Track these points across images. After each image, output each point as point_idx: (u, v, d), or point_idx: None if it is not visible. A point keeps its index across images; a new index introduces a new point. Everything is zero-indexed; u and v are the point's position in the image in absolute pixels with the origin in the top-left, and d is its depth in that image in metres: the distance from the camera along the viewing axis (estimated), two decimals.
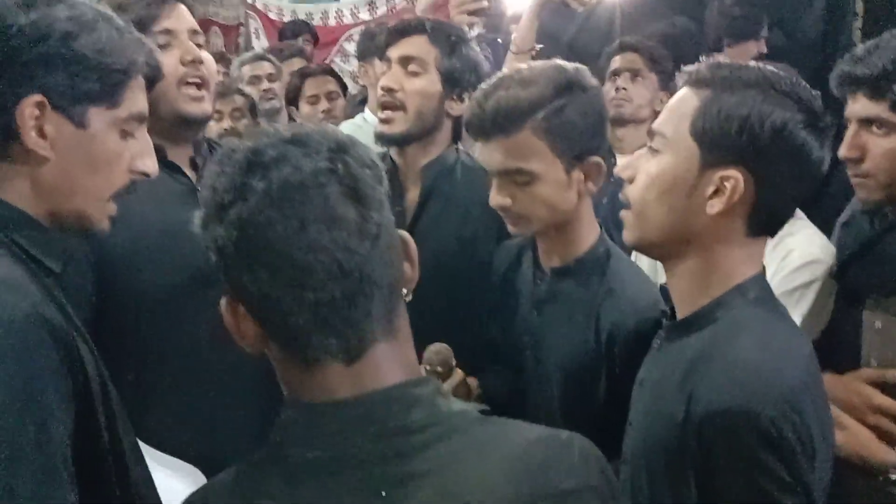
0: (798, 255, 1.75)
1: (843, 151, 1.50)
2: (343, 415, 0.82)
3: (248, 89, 3.34)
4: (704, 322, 1.15)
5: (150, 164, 1.17)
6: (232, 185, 0.81)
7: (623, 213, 1.23)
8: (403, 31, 1.87)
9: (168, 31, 1.57)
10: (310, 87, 3.22)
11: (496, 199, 1.48)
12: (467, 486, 0.80)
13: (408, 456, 0.81)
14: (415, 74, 1.83)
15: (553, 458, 0.84)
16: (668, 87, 2.66)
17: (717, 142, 1.11)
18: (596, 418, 1.42)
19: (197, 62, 1.58)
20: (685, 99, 1.16)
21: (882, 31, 1.54)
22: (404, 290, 0.89)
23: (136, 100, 1.13)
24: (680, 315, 1.20)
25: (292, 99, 3.30)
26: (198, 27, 1.63)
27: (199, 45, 1.61)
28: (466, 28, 2.28)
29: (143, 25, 1.51)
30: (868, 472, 1.42)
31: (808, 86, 1.14)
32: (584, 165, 1.45)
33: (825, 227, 1.80)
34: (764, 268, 1.19)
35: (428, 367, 1.54)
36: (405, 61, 1.84)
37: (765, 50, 3.56)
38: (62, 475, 0.94)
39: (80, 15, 1.07)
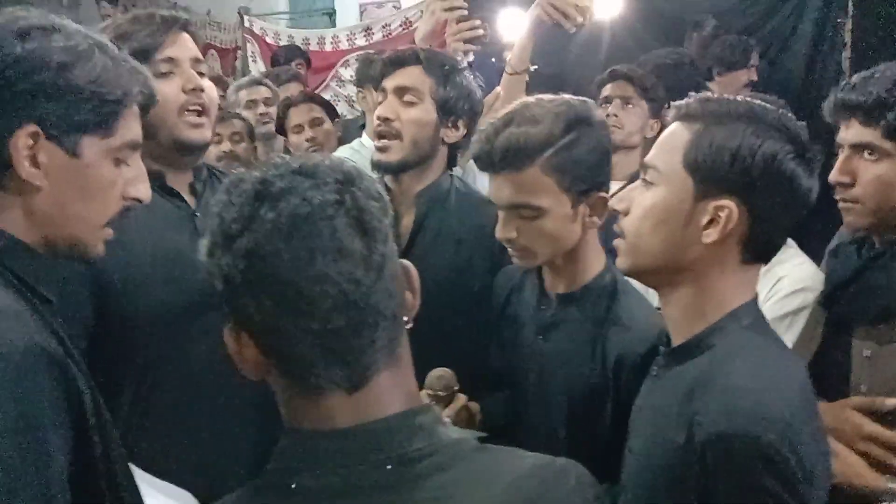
0: (788, 282, 1.77)
1: (833, 176, 1.53)
2: (345, 443, 0.83)
3: (244, 114, 3.36)
4: (701, 348, 1.17)
5: (144, 191, 1.18)
6: (240, 215, 0.82)
7: (617, 242, 1.25)
8: (398, 61, 1.90)
9: (171, 60, 1.58)
10: (293, 117, 3.20)
11: (502, 232, 1.50)
12: None
13: (409, 485, 0.82)
14: (410, 104, 1.86)
15: (549, 487, 0.85)
16: (659, 116, 2.70)
17: (710, 173, 1.14)
18: (601, 444, 1.43)
19: (198, 90, 1.59)
20: (676, 133, 1.19)
21: (871, 60, 1.58)
22: (405, 318, 0.90)
23: (131, 128, 1.14)
24: (675, 342, 1.22)
25: (280, 129, 3.30)
26: (200, 55, 1.65)
27: (200, 74, 1.63)
28: (461, 55, 2.31)
29: (146, 53, 1.53)
30: (859, 500, 1.42)
31: (794, 117, 1.17)
32: (589, 200, 1.48)
33: (814, 256, 1.82)
34: (756, 294, 1.21)
35: (430, 392, 1.54)
36: (400, 91, 1.87)
37: (755, 78, 3.61)
38: (60, 502, 0.94)
39: (75, 45, 1.08)
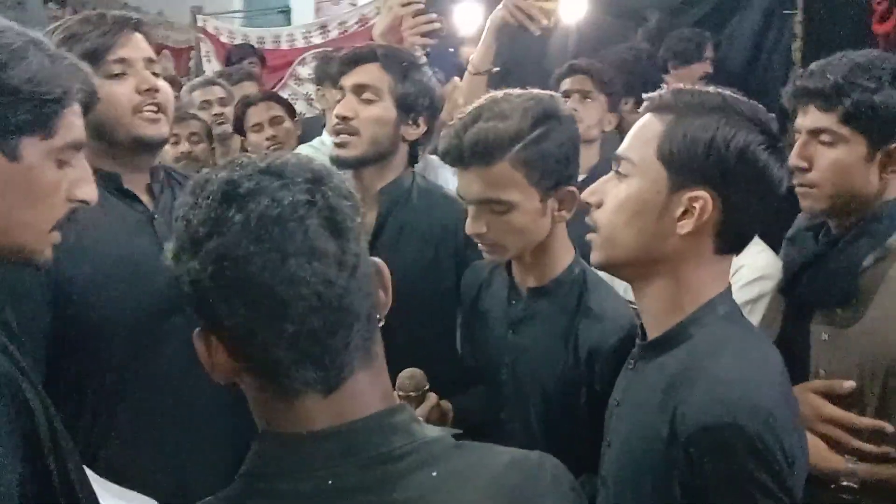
0: (747, 270, 1.80)
1: (791, 161, 1.55)
2: (324, 445, 0.82)
3: (199, 115, 3.32)
4: (678, 340, 1.18)
5: (90, 192, 1.13)
6: (207, 218, 0.79)
7: (591, 236, 1.25)
8: (356, 59, 1.89)
9: (123, 60, 1.56)
10: (252, 116, 3.16)
11: (472, 227, 1.50)
12: None
13: (390, 485, 0.81)
14: (369, 102, 1.85)
15: (528, 481, 0.85)
16: (617, 109, 2.72)
17: (685, 164, 1.14)
18: (576, 436, 1.44)
19: (153, 91, 1.57)
20: (649, 125, 1.19)
21: (822, 51, 1.61)
22: (378, 317, 0.89)
23: (72, 128, 1.09)
24: (651, 334, 1.23)
25: (238, 128, 3.26)
26: (153, 55, 1.62)
27: (155, 74, 1.61)
28: (419, 49, 2.31)
29: (98, 54, 1.51)
30: (820, 481, 1.45)
31: (765, 109, 1.18)
32: (558, 194, 1.48)
33: (773, 244, 1.85)
34: (730, 284, 1.23)
35: (401, 393, 1.54)
36: (359, 89, 1.86)
37: (710, 70, 3.65)
38: None
39: (9, 43, 1.03)
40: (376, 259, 0.89)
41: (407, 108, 1.87)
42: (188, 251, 0.80)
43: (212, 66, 5.99)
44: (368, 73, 1.86)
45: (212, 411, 1.54)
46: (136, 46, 1.59)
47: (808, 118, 1.53)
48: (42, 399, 1.04)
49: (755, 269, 1.80)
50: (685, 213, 1.15)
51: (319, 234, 0.79)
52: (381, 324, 0.89)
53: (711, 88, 1.20)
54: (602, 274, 1.49)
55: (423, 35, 2.32)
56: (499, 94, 1.52)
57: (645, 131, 1.19)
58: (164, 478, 1.46)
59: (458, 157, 1.47)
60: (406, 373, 1.56)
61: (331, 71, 2.57)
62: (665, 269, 1.19)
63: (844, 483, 1.46)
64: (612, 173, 1.24)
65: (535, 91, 1.52)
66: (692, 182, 1.14)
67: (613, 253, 1.22)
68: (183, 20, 6.63)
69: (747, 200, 1.15)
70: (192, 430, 1.55)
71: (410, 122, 1.88)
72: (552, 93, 1.55)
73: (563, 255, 1.55)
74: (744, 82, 3.89)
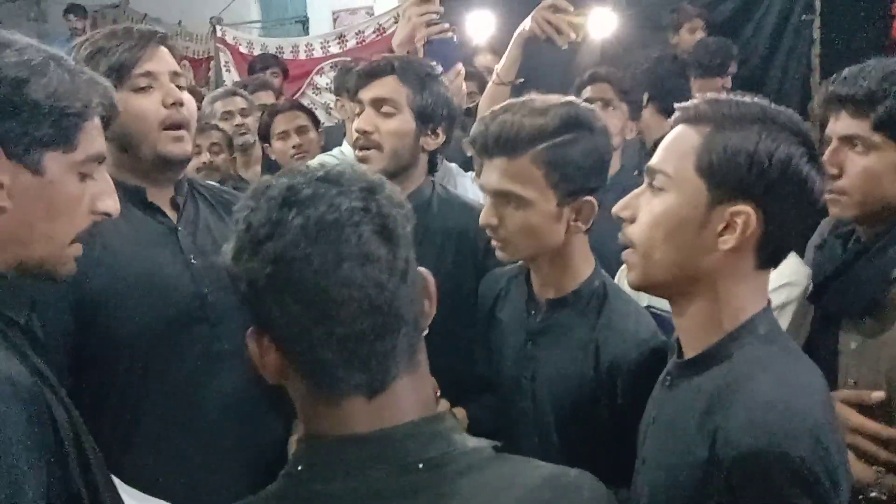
0: (774, 276, 1.78)
1: None
2: (364, 449, 0.84)
3: (221, 125, 3.34)
4: (717, 359, 1.14)
5: (112, 204, 1.14)
6: (268, 220, 0.83)
7: (626, 254, 1.22)
8: (373, 73, 1.88)
9: (149, 74, 1.56)
10: (279, 124, 3.21)
11: (485, 217, 1.50)
12: None
13: (426, 492, 0.83)
14: (388, 115, 1.85)
15: (562, 499, 0.86)
16: (638, 118, 2.71)
17: (726, 178, 1.11)
18: (594, 449, 1.42)
19: (178, 104, 1.58)
20: (684, 136, 1.15)
21: (841, 57, 1.60)
22: (423, 325, 0.91)
23: (94, 141, 1.10)
24: (688, 353, 1.19)
25: (263, 136, 3.30)
26: (178, 69, 1.63)
27: (179, 87, 1.61)
28: (434, 64, 2.31)
29: (124, 68, 1.52)
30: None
31: (802, 119, 1.15)
32: (576, 203, 1.47)
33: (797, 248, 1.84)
34: (769, 301, 1.20)
35: None
36: (377, 103, 1.86)
37: (729, 85, 3.62)
38: None
39: (29, 59, 1.04)
40: (423, 269, 0.91)
41: (426, 119, 1.87)
42: (248, 251, 0.84)
43: (231, 76, 6.04)
44: (386, 87, 1.86)
45: (230, 421, 1.55)
46: (162, 60, 1.59)
47: (840, 124, 1.51)
48: (68, 410, 1.05)
49: (782, 275, 1.77)
50: (726, 227, 1.12)
51: (372, 239, 0.83)
52: (425, 333, 0.91)
53: (748, 98, 1.17)
54: (624, 285, 1.48)
55: (428, 25, 2.32)
56: (537, 96, 1.51)
57: (681, 143, 1.15)
58: (178, 486, 1.46)
59: (483, 146, 1.47)
60: None
61: (349, 83, 2.58)
62: (705, 286, 1.15)
63: (873, 494, 1.44)
64: (644, 186, 1.20)
65: (574, 98, 1.52)
66: (733, 196, 1.11)
67: (652, 271, 1.18)
68: (202, 31, 6.69)
69: (789, 214, 1.12)
70: (209, 439, 1.55)
71: (429, 133, 1.88)
72: (592, 106, 1.54)
73: (583, 267, 1.53)
74: (760, 88, 3.89)
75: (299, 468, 0.86)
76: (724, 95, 1.19)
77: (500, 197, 1.47)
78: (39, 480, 0.94)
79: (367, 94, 1.88)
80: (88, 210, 1.11)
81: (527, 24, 2.28)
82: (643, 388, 1.31)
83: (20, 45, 1.05)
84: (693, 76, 3.58)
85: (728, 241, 1.12)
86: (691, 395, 1.15)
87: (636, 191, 1.22)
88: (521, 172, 1.44)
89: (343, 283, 0.81)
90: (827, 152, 1.52)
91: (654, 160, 1.19)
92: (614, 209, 1.24)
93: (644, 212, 1.18)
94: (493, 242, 1.54)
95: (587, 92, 2.67)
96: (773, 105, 1.16)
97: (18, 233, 1.04)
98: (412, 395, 0.87)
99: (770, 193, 1.10)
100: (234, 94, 3.66)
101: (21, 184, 1.03)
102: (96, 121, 1.11)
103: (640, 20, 4.22)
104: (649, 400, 1.28)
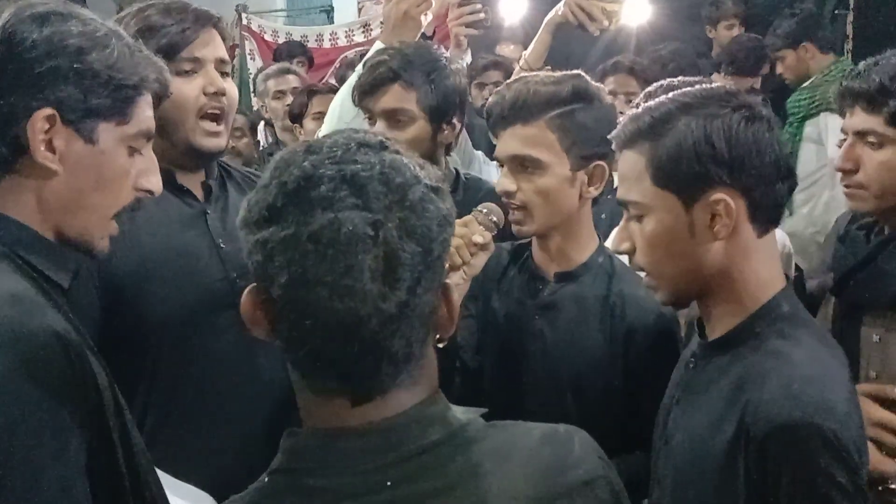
0: None
1: (837, 163, 1.55)
2: (362, 440, 0.83)
3: (272, 104, 3.31)
4: (744, 338, 1.17)
5: (155, 182, 1.17)
6: (273, 206, 0.80)
7: (645, 280, 1.27)
8: (376, 84, 1.85)
9: (196, 59, 1.52)
10: (316, 105, 3.19)
11: (503, 184, 1.55)
12: (492, 494, 0.83)
13: (432, 473, 0.83)
14: (401, 124, 1.84)
15: (560, 453, 0.88)
16: None
17: (685, 178, 1.15)
18: (612, 416, 1.48)
19: (219, 94, 1.54)
20: (630, 161, 1.20)
21: (874, 50, 1.59)
22: (437, 336, 0.89)
23: (145, 116, 1.13)
24: (712, 334, 1.23)
25: (297, 115, 3.28)
26: (226, 56, 1.59)
27: (224, 74, 1.58)
28: (462, 41, 2.30)
29: (174, 49, 1.48)
30: (868, 483, 1.43)
31: (709, 80, 1.18)
32: (589, 168, 1.53)
33: None
34: (790, 281, 1.23)
35: (487, 214, 1.50)
36: (389, 115, 1.85)
37: (758, 86, 3.59)
38: (80, 488, 0.95)
39: (92, 31, 1.07)
40: (447, 281, 0.88)
41: (439, 116, 1.86)
42: (245, 230, 0.83)
43: (255, 64, 6.06)
44: (393, 97, 1.84)
45: (261, 407, 1.54)
46: (212, 45, 1.55)
47: (854, 119, 1.51)
48: (107, 372, 1.07)
49: None
50: (713, 218, 1.15)
51: (366, 275, 0.77)
52: (441, 346, 0.90)
53: (659, 99, 1.19)
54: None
55: (468, 26, 2.33)
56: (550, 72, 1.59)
57: (631, 169, 1.20)
58: (209, 472, 1.43)
59: (500, 115, 1.53)
60: (491, 205, 1.52)
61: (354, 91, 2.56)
62: (722, 276, 1.19)
63: (893, 486, 1.44)
64: (626, 218, 1.25)
65: (583, 74, 1.59)
66: (701, 190, 1.14)
67: (673, 287, 1.23)
68: (227, 18, 6.69)
69: (761, 173, 1.14)
70: (239, 425, 1.54)
71: (445, 127, 1.89)
72: (599, 85, 1.61)
73: (589, 242, 1.60)
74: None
75: (294, 461, 0.85)
76: (634, 108, 1.22)
77: (517, 163, 1.53)
78: (83, 435, 0.96)
79: (376, 106, 1.86)
80: (133, 185, 1.13)
81: (559, 8, 2.27)
82: (660, 353, 1.44)
83: (85, 17, 1.09)
84: (724, 73, 3.56)
85: (721, 230, 1.15)
86: (717, 375, 1.18)
87: (622, 223, 1.26)
88: (537, 137, 1.50)
89: (318, 306, 0.77)
90: (843, 147, 1.53)
91: (620, 193, 1.24)
92: (612, 246, 1.32)
93: (638, 239, 1.22)
94: (512, 216, 1.56)
95: (610, 83, 2.66)
96: (684, 87, 1.18)
97: (66, 199, 1.07)
98: (406, 397, 0.85)
99: (731, 169, 1.13)
100: (288, 72, 3.62)
101: (74, 151, 1.06)
102: (149, 97, 1.14)
103: (677, 10, 4.18)
104: (670, 382, 1.30)
